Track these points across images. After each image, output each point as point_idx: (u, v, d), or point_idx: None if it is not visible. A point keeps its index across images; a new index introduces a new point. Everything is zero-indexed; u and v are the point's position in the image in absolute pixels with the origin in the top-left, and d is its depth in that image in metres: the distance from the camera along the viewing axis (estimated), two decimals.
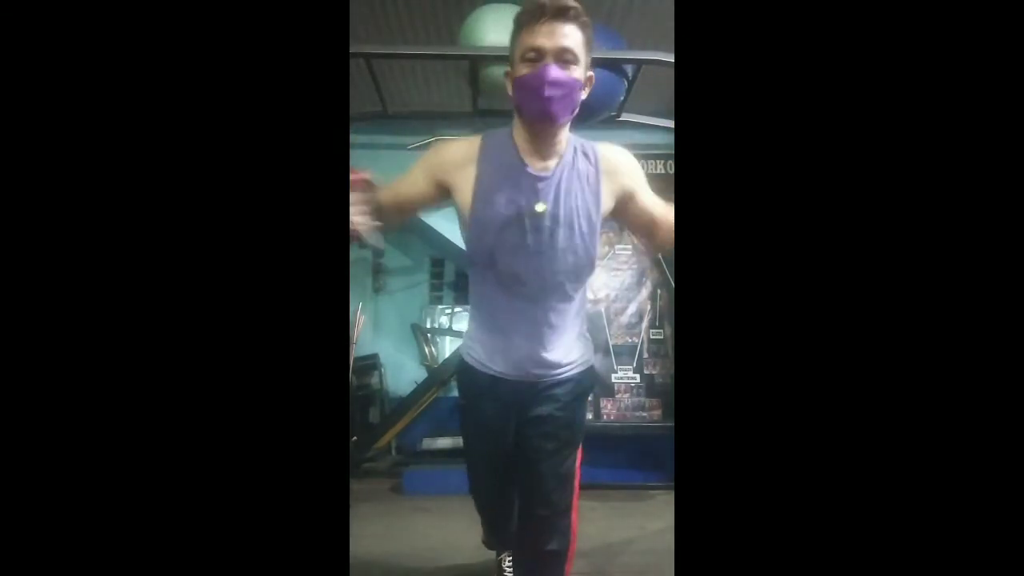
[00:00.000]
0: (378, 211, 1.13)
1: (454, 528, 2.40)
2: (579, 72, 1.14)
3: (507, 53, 1.21)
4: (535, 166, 1.20)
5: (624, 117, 3.03)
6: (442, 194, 1.25)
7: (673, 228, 1.22)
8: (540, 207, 1.18)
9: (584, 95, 1.18)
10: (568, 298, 1.26)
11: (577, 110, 1.17)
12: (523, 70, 1.14)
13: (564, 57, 1.12)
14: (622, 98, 2.83)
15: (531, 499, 1.34)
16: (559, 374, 1.30)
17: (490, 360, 1.31)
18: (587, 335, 1.38)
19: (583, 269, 1.25)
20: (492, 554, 1.86)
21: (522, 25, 1.14)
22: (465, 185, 1.21)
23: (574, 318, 1.31)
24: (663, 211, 1.28)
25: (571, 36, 1.12)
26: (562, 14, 1.11)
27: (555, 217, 1.19)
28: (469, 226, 1.23)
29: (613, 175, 1.24)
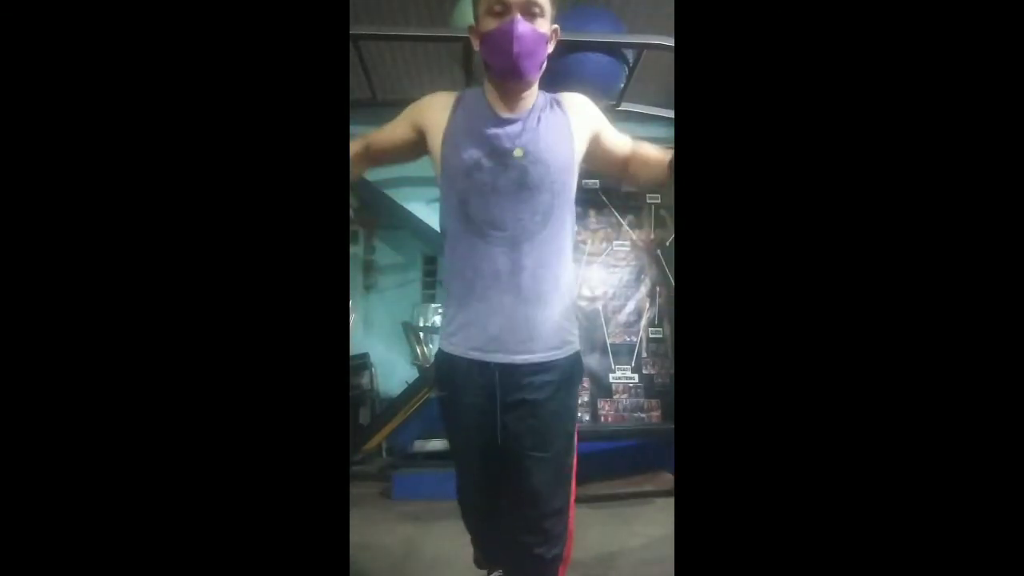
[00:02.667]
0: (359, 155, 1.22)
1: (445, 536, 2.31)
2: (545, 25, 1.15)
3: None
4: (504, 113, 1.21)
5: (624, 107, 2.94)
6: (419, 139, 1.27)
7: (644, 160, 1.26)
8: (518, 152, 1.17)
9: (550, 48, 1.20)
10: (550, 243, 1.20)
11: (545, 65, 1.19)
12: (490, 24, 1.13)
13: (531, 10, 1.12)
14: (622, 85, 2.74)
15: (518, 498, 1.23)
16: (542, 357, 1.21)
17: (469, 336, 1.21)
18: (575, 319, 1.29)
19: (561, 208, 1.22)
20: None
21: None
22: (437, 129, 1.22)
23: (559, 282, 1.22)
24: (630, 145, 1.30)
25: None
26: None
27: (528, 155, 1.18)
28: (441, 170, 1.23)
29: (581, 116, 1.26)
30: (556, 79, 1.37)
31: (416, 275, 4.89)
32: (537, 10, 1.13)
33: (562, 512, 1.27)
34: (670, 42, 2.42)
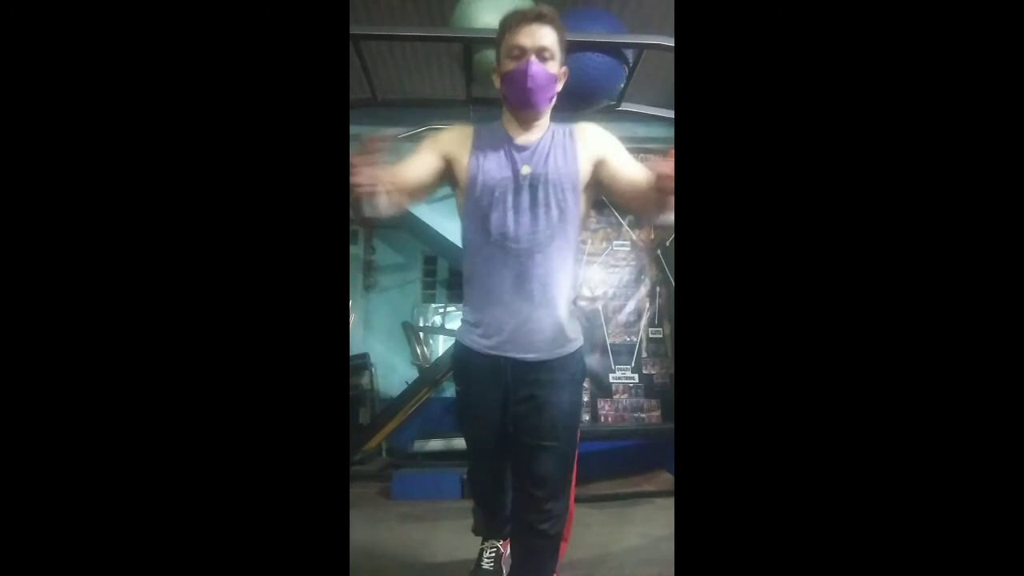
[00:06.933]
0: (389, 191, 1.26)
1: (444, 536, 2.30)
2: (555, 67, 1.39)
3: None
4: (520, 140, 1.42)
5: (624, 107, 2.93)
6: (447, 167, 1.44)
7: (657, 186, 1.30)
8: (526, 169, 1.38)
9: (559, 87, 1.43)
10: (557, 254, 1.39)
11: (555, 99, 1.43)
12: (509, 66, 1.37)
13: (543, 54, 1.36)
14: (622, 85, 2.73)
15: (525, 480, 1.41)
16: (549, 355, 1.39)
17: (486, 334, 1.40)
18: (576, 321, 1.47)
19: (567, 224, 1.41)
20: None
21: (506, 29, 1.38)
22: (464, 156, 1.42)
23: (565, 288, 1.41)
24: (646, 176, 1.38)
25: (547, 36, 1.36)
26: (539, 18, 1.36)
27: (539, 177, 1.38)
28: (467, 191, 1.41)
29: (586, 143, 1.44)
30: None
31: (416, 275, 4.88)
32: (548, 54, 1.36)
33: (564, 494, 1.46)
34: (670, 42, 2.40)
